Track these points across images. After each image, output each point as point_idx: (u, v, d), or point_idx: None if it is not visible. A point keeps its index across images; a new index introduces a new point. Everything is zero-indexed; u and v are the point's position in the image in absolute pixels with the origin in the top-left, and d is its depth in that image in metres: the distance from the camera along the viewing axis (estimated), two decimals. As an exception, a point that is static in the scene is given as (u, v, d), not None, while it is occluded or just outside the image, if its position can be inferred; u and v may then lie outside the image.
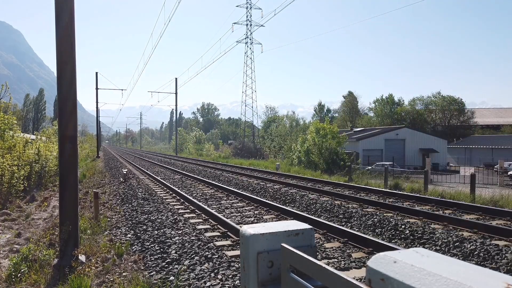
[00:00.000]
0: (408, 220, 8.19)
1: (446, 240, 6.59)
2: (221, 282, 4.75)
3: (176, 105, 53.03)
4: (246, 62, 60.52)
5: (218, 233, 7.39)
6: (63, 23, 5.72)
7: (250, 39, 59.72)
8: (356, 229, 7.84)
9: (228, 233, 7.30)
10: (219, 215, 8.34)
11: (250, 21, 58.72)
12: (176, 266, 5.44)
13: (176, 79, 51.73)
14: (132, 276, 5.03)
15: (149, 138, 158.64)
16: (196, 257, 5.74)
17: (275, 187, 14.29)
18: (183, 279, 4.88)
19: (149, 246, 6.49)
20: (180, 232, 7.44)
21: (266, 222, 6.70)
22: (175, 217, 8.88)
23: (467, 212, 9.00)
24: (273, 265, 1.47)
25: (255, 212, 9.70)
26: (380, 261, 0.98)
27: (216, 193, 13.15)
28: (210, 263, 5.46)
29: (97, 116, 54.77)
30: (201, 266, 5.36)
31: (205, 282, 4.77)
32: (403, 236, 7.18)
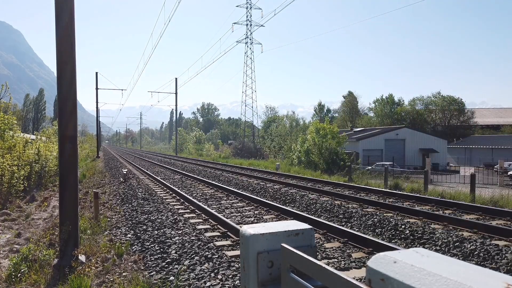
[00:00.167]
0: (408, 220, 8.19)
1: (446, 240, 6.59)
2: (221, 282, 4.75)
3: (176, 105, 53.04)
4: (246, 62, 60.57)
5: (218, 233, 7.39)
6: (63, 23, 5.72)
7: (250, 39, 59.73)
8: (356, 229, 7.84)
9: (228, 233, 7.30)
10: (219, 215, 8.34)
11: (250, 21, 58.74)
12: (176, 266, 5.44)
13: (176, 79, 51.75)
14: (132, 276, 5.03)
15: (149, 138, 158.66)
16: (196, 257, 5.74)
17: (275, 187, 14.28)
18: (183, 279, 4.88)
19: (149, 246, 6.49)
20: (180, 232, 7.44)
21: (266, 222, 6.69)
22: (175, 217, 8.88)
23: (467, 212, 9.00)
24: (273, 265, 1.47)
25: (255, 212, 9.70)
26: (380, 261, 0.98)
27: (216, 193, 13.15)
28: (210, 263, 5.46)
29: (97, 116, 54.78)
30: (201, 266, 5.36)
31: (205, 282, 4.77)
32: (403, 236, 7.18)
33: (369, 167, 28.84)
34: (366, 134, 42.83)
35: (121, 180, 17.12)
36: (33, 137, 21.24)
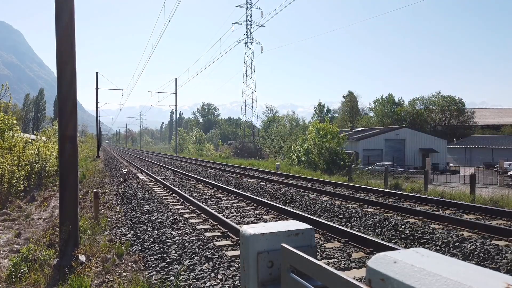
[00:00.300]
0: (408, 220, 8.19)
1: (446, 240, 6.59)
2: (221, 282, 4.75)
3: (176, 105, 53.04)
4: (246, 62, 60.56)
5: (218, 233, 7.39)
6: (63, 23, 5.72)
7: (250, 39, 59.73)
8: (356, 229, 7.84)
9: (228, 233, 7.30)
10: (219, 215, 8.34)
11: (250, 21, 58.73)
12: (176, 266, 5.44)
13: (176, 79, 51.74)
14: (132, 276, 5.03)
15: (149, 138, 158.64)
16: (196, 257, 5.74)
17: (275, 187, 14.28)
18: (183, 279, 4.88)
19: (149, 246, 6.49)
20: (180, 232, 7.44)
21: (266, 222, 6.69)
22: (175, 217, 8.88)
23: (467, 212, 9.00)
24: (273, 265, 1.47)
25: (255, 212, 9.70)
26: (380, 261, 0.98)
27: (216, 193, 13.15)
28: (210, 263, 5.46)
29: (97, 116, 54.78)
30: (201, 266, 5.36)
31: (205, 282, 4.77)
32: (403, 236, 7.18)
33: (369, 167, 28.84)
34: (366, 134, 42.83)
35: (121, 180, 17.12)
36: (33, 137, 21.24)
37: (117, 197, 12.54)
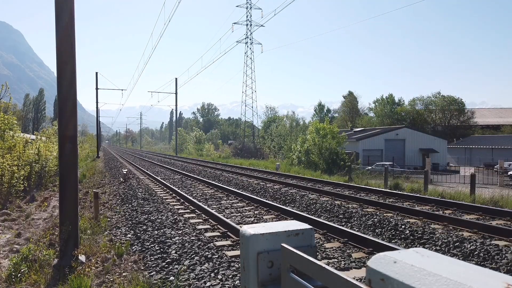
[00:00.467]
0: (408, 220, 8.19)
1: (446, 240, 6.59)
2: (221, 282, 4.75)
3: (176, 105, 53.04)
4: (246, 62, 60.54)
5: (218, 233, 7.39)
6: (63, 23, 5.72)
7: (250, 39, 59.72)
8: (356, 229, 7.84)
9: (228, 233, 7.30)
10: (219, 215, 8.34)
11: (250, 21, 58.72)
12: (176, 266, 5.44)
13: (176, 79, 51.74)
14: (132, 276, 5.03)
15: (149, 138, 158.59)
16: (196, 257, 5.74)
17: (275, 187, 14.28)
18: (183, 279, 4.88)
19: (149, 246, 6.49)
20: (180, 232, 7.44)
21: (266, 222, 6.69)
22: (175, 217, 8.88)
23: (467, 212, 9.00)
24: (273, 265, 1.47)
25: (255, 212, 9.70)
26: (380, 261, 0.98)
27: (216, 193, 13.15)
28: (210, 263, 5.46)
29: (97, 116, 54.79)
30: (201, 266, 5.36)
31: (205, 282, 4.77)
32: (403, 236, 7.18)
33: (369, 167, 28.84)
34: (366, 134, 42.83)
35: (121, 180, 17.12)
36: (33, 137, 21.23)
37: (117, 197, 12.54)
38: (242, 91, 61.77)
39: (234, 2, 61.95)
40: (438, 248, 6.44)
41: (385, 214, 8.83)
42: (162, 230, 7.56)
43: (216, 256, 5.78)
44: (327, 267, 1.13)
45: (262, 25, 44.59)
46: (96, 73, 45.41)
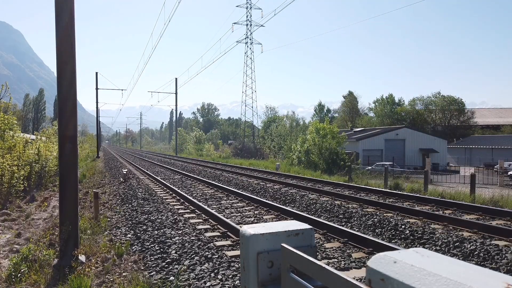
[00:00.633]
0: (408, 220, 8.19)
1: (446, 240, 6.59)
2: (221, 282, 4.75)
3: (176, 105, 53.04)
4: (246, 62, 60.54)
5: (218, 233, 7.39)
6: (63, 23, 5.72)
7: (250, 39, 59.72)
8: (356, 229, 7.84)
9: (228, 233, 7.30)
10: (219, 215, 8.34)
11: (250, 21, 58.72)
12: (176, 266, 5.44)
13: (176, 79, 51.74)
14: (132, 276, 5.03)
15: (149, 138, 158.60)
16: (196, 257, 5.74)
17: (275, 187, 14.28)
18: (183, 279, 4.88)
19: (149, 246, 6.49)
20: (180, 232, 7.44)
21: (266, 222, 6.69)
22: (175, 217, 8.88)
23: (467, 212, 9.00)
24: (273, 265, 1.47)
25: (255, 212, 9.70)
26: (380, 261, 0.98)
27: (216, 193, 13.15)
28: (210, 263, 5.46)
29: (97, 116, 54.80)
30: (201, 266, 5.36)
31: (205, 282, 4.77)
32: (403, 236, 7.18)
33: (369, 167, 28.85)
34: (366, 134, 42.84)
35: (121, 180, 17.12)
36: (33, 137, 21.23)
37: (117, 197, 12.54)
38: (242, 91, 61.80)
39: (234, 2, 61.98)
40: (438, 248, 6.44)
41: (385, 214, 8.83)
42: (162, 230, 7.56)
43: (216, 256, 5.78)
44: (327, 267, 1.13)
45: (262, 25, 44.59)
46: (96, 73, 45.44)
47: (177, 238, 6.92)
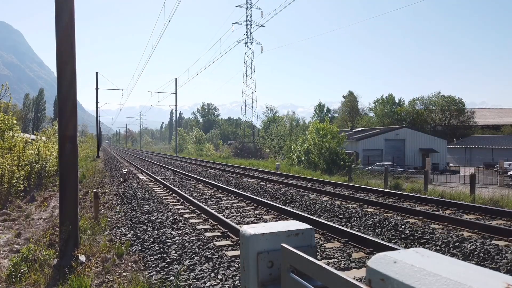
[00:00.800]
0: (408, 220, 8.19)
1: (446, 240, 6.59)
2: (221, 282, 4.75)
3: (176, 105, 53.04)
4: (246, 62, 60.55)
5: (218, 233, 7.39)
6: (63, 23, 5.72)
7: (250, 39, 59.72)
8: (356, 229, 7.84)
9: (228, 233, 7.30)
10: (219, 215, 8.34)
11: (250, 21, 58.72)
12: (176, 266, 5.44)
13: (176, 79, 51.74)
14: (132, 276, 5.03)
15: (149, 138, 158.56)
16: (196, 257, 5.74)
17: (275, 187, 14.28)
18: (183, 279, 4.88)
19: (149, 246, 6.49)
20: (180, 232, 7.44)
21: (266, 222, 6.69)
22: (175, 217, 8.88)
23: (467, 212, 9.00)
24: (273, 265, 1.47)
25: (255, 212, 9.70)
26: (380, 261, 0.98)
27: (216, 193, 13.15)
28: (210, 263, 5.46)
29: (97, 116, 54.80)
30: (201, 266, 5.36)
31: (205, 282, 4.77)
32: (403, 236, 7.18)
33: (369, 167, 28.84)
34: (366, 134, 42.83)
35: (121, 180, 17.12)
36: (33, 137, 21.23)
37: (117, 197, 12.54)
38: (242, 91, 61.80)
39: (234, 2, 61.99)
40: (438, 248, 6.44)
41: (385, 214, 8.83)
42: (162, 230, 7.56)
43: (216, 256, 5.78)
44: (327, 267, 1.13)
45: (262, 25, 44.59)
46: (96, 73, 45.44)
47: (177, 238, 6.92)
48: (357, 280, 1.00)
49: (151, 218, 8.82)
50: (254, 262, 1.45)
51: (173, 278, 4.94)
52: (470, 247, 6.16)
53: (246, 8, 58.21)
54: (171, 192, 13.18)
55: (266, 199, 11.36)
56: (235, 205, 10.71)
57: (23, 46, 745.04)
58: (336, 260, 5.74)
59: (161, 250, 6.24)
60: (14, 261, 5.38)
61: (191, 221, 8.51)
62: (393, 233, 7.40)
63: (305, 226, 1.54)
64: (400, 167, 31.63)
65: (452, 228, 7.43)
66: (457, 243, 6.39)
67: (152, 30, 33.00)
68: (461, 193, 12.29)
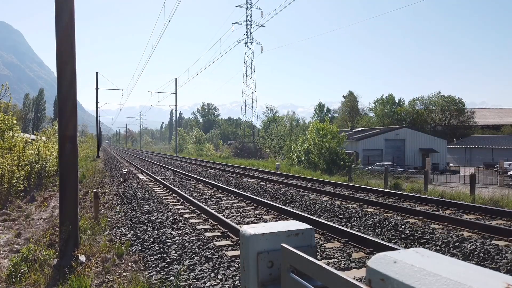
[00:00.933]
0: (408, 220, 8.19)
1: (446, 240, 6.59)
2: (221, 282, 4.75)
3: (176, 105, 53.04)
4: (246, 62, 60.54)
5: (218, 233, 7.39)
6: (63, 23, 5.72)
7: (250, 39, 59.72)
8: (356, 229, 7.84)
9: (228, 233, 7.30)
10: (219, 215, 8.34)
11: (250, 21, 58.72)
12: (176, 266, 5.44)
13: (176, 79, 51.75)
14: (132, 276, 5.03)
15: (149, 138, 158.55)
16: (196, 257, 5.74)
17: (275, 187, 14.28)
18: (183, 279, 4.88)
19: (149, 246, 6.49)
20: (180, 232, 7.44)
21: (266, 222, 6.69)
22: (175, 217, 8.88)
23: (467, 212, 9.00)
24: (273, 265, 1.47)
25: (255, 212, 9.70)
26: (380, 261, 0.98)
27: (216, 193, 13.15)
28: (210, 263, 5.46)
29: (97, 116, 54.80)
30: (201, 266, 5.36)
31: (205, 282, 4.77)
32: (403, 236, 7.18)
33: (369, 167, 28.85)
34: (366, 134, 42.83)
35: (121, 180, 17.12)
36: (33, 137, 21.23)
37: (117, 197, 12.54)
38: (242, 91, 61.80)
39: (234, 2, 61.98)
40: (438, 248, 6.44)
41: (385, 214, 8.83)
42: (162, 230, 7.56)
43: (216, 256, 5.78)
44: (327, 267, 1.13)
45: (262, 25, 44.58)
46: (96, 73, 45.44)
47: (177, 238, 6.92)
48: (357, 280, 1.00)
49: (151, 218, 8.82)
50: (254, 262, 1.45)
51: (173, 278, 4.94)
52: (470, 247, 6.16)
53: (246, 8, 58.22)
54: (171, 192, 13.18)
55: (266, 199, 11.36)
56: (235, 205, 10.71)
57: (23, 46, 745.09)
58: (336, 260, 5.74)
59: (161, 250, 6.24)
60: (14, 261, 5.38)
61: (191, 221, 8.51)
62: (393, 233, 7.40)
63: (305, 226, 1.54)
64: (400, 167, 31.63)
65: (452, 228, 7.43)
66: (457, 243, 6.39)
67: (152, 30, 33.02)
68: (461, 193, 12.29)
